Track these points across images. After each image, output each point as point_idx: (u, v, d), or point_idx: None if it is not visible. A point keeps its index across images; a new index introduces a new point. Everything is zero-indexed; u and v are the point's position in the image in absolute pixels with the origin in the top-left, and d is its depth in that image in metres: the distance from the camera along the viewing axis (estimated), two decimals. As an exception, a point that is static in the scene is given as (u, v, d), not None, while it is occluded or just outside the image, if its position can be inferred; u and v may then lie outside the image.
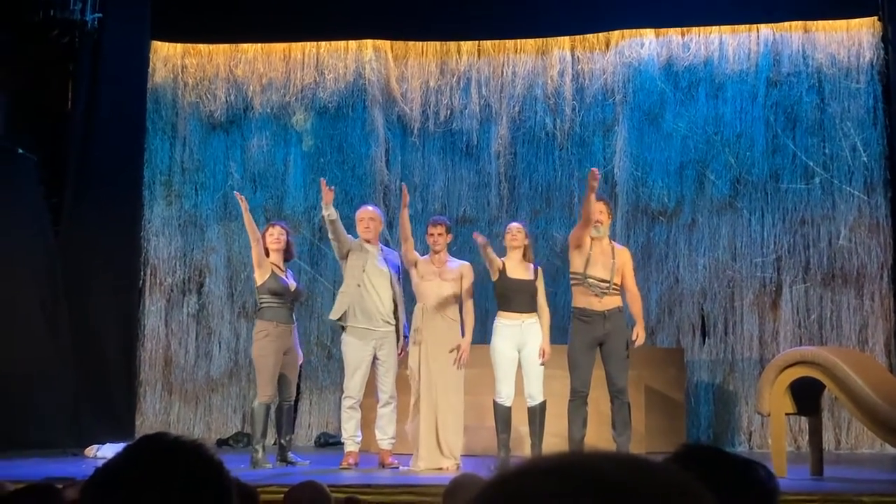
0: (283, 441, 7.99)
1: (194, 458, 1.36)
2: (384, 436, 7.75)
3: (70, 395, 9.70)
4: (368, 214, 7.94)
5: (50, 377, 9.49)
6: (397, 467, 7.57)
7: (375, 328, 7.72)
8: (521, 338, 7.47)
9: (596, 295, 7.34)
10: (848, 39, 10.59)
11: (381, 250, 7.94)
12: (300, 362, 8.29)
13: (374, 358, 7.73)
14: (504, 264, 7.58)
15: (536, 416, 7.45)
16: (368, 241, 7.86)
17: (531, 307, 7.52)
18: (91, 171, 10.26)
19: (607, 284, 7.37)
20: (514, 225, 7.85)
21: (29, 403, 9.11)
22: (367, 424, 7.96)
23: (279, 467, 7.74)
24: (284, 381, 7.92)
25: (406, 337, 7.79)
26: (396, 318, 7.81)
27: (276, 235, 8.00)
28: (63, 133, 10.28)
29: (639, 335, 7.37)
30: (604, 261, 7.42)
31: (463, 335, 7.62)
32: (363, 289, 7.70)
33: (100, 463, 1.44)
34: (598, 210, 7.44)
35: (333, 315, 7.80)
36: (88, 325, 10.07)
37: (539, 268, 7.74)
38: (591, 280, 7.37)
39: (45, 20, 9.94)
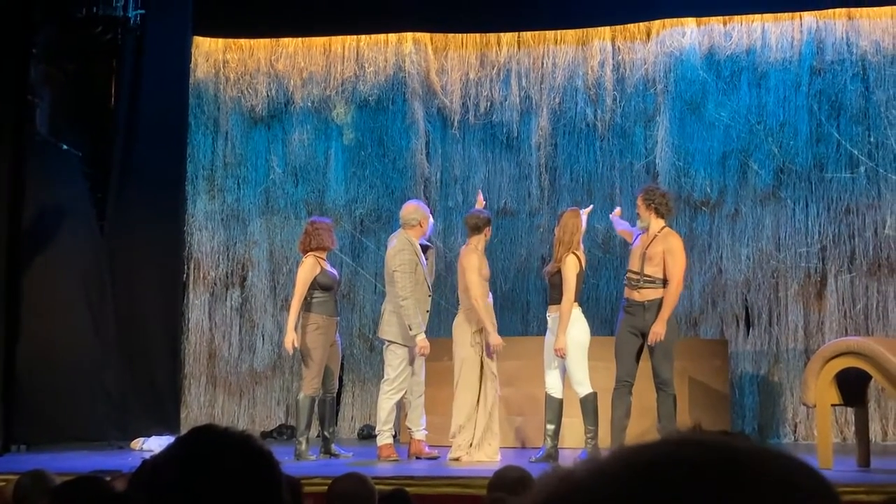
0: (326, 433, 8.03)
1: (244, 450, 1.37)
2: (419, 427, 7.82)
3: (116, 388, 9.80)
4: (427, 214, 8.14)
5: (96, 371, 9.59)
6: (437, 457, 7.62)
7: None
8: (552, 331, 7.51)
9: (633, 288, 7.35)
10: (893, 26, 10.44)
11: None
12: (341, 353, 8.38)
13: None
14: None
15: (584, 407, 7.43)
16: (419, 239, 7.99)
17: (552, 299, 7.53)
18: (135, 166, 10.35)
19: (638, 277, 7.34)
20: None
21: (75, 397, 9.21)
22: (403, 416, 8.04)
23: (323, 459, 7.79)
24: (328, 373, 7.98)
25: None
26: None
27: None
28: (107, 129, 10.37)
29: (652, 332, 7.22)
30: (641, 251, 7.41)
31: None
32: (426, 292, 7.82)
33: (146, 455, 1.46)
34: (637, 203, 7.51)
35: (417, 329, 7.67)
36: (134, 319, 10.16)
37: (567, 257, 7.52)
38: (628, 274, 7.42)
39: (88, 17, 10.02)
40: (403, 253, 7.79)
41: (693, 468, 0.75)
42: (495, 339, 7.48)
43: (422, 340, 7.63)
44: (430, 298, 7.83)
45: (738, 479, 0.75)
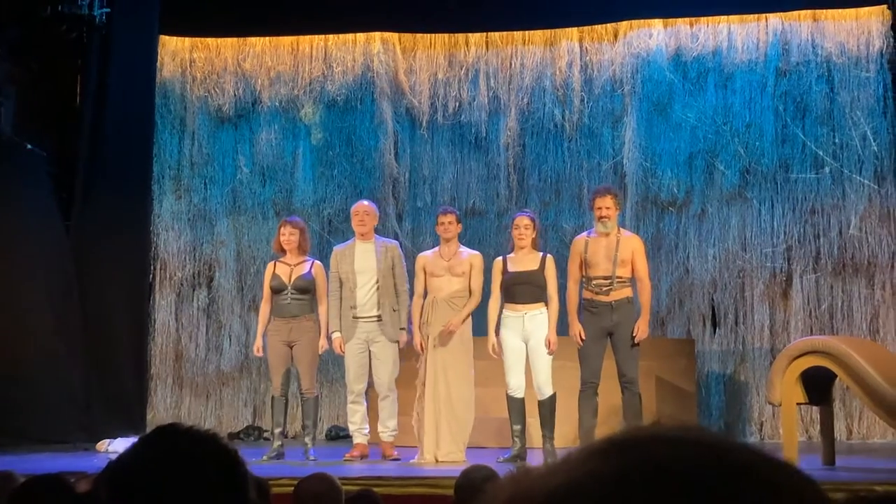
0: (306, 434, 8.03)
1: (209, 448, 1.36)
2: (385, 428, 7.86)
3: (81, 389, 9.71)
4: (363, 209, 8.06)
5: (61, 372, 9.50)
6: (398, 459, 7.64)
7: (364, 323, 7.81)
8: (525, 329, 7.47)
9: (602, 293, 7.35)
10: (857, 28, 10.54)
11: (376, 242, 7.97)
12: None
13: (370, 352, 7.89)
14: (505, 262, 7.61)
15: (545, 409, 7.46)
16: (363, 236, 7.92)
17: (535, 298, 7.50)
18: (100, 166, 10.27)
19: (609, 281, 7.35)
20: (520, 219, 7.79)
21: (40, 398, 9.12)
22: (375, 418, 8.03)
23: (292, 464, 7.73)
24: (290, 373, 8.06)
25: (408, 329, 7.83)
26: (396, 310, 7.88)
27: (286, 235, 8.03)
28: (72, 128, 10.28)
29: (639, 329, 7.30)
30: (606, 254, 7.40)
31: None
32: (351, 289, 7.83)
33: (112, 457, 1.44)
34: (606, 205, 7.44)
35: (333, 327, 7.91)
36: (99, 320, 10.07)
37: (548, 256, 7.69)
38: (594, 282, 7.39)
39: (53, 15, 9.94)
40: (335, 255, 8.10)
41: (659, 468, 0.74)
42: (414, 339, 7.67)
43: (335, 338, 7.86)
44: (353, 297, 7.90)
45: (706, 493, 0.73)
